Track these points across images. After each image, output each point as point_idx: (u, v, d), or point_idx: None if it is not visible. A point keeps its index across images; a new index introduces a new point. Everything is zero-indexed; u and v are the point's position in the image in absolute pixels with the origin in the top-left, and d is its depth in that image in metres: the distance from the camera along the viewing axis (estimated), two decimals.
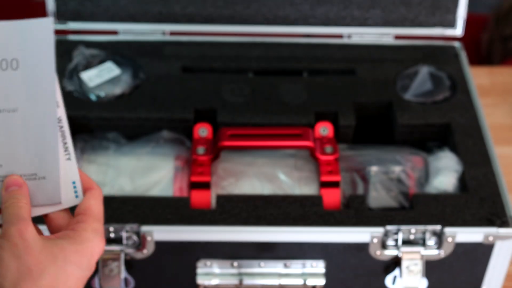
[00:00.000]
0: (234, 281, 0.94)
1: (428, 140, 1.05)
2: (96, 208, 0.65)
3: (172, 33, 1.15)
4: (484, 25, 1.78)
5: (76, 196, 0.65)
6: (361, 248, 0.92)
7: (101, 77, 1.07)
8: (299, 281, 0.94)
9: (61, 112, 0.63)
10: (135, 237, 0.90)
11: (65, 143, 0.64)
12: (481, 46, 1.76)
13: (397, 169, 0.98)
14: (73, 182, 0.65)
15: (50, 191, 0.64)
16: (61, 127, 0.63)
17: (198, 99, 1.05)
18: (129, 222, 0.90)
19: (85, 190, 0.66)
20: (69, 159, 0.64)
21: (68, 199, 0.65)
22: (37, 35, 0.61)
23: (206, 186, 0.95)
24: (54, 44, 0.62)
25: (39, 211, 0.65)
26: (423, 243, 0.92)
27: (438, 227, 0.90)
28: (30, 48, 0.61)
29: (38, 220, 0.65)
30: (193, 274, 0.94)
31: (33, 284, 0.60)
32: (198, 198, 0.95)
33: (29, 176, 0.64)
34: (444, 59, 1.12)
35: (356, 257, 0.93)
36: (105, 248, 0.90)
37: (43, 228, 0.67)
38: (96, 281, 0.92)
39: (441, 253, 0.92)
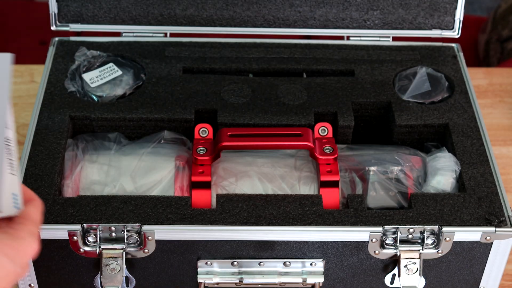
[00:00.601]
0: (234, 279, 0.94)
1: (426, 140, 1.06)
2: (35, 215, 0.73)
3: (173, 35, 1.15)
4: (482, 27, 1.79)
5: (16, 207, 0.71)
6: (360, 247, 0.93)
7: (102, 78, 1.08)
8: (299, 280, 0.94)
9: (11, 133, 0.70)
10: (136, 237, 0.91)
11: (10, 160, 0.70)
12: (479, 47, 1.77)
13: (395, 169, 0.99)
14: (14, 194, 0.71)
15: None
16: (8, 145, 0.70)
17: (199, 99, 1.06)
18: (130, 222, 0.90)
19: (27, 201, 0.73)
20: (12, 174, 0.70)
21: (8, 208, 0.70)
22: None
23: (206, 186, 0.96)
24: (10, 76, 0.69)
25: None
26: (421, 242, 0.92)
27: (436, 227, 0.91)
28: None
29: None
30: (193, 273, 0.95)
31: None
32: (198, 197, 0.95)
33: None
34: (442, 60, 1.13)
35: (355, 256, 0.94)
36: (107, 247, 0.91)
37: None
38: (97, 280, 0.93)
39: (439, 252, 0.93)
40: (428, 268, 0.95)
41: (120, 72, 1.09)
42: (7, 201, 0.70)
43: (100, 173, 0.98)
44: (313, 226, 0.91)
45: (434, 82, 1.10)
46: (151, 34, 1.15)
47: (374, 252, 0.93)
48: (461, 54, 1.14)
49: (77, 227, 0.90)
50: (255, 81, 1.09)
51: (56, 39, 1.14)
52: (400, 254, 0.92)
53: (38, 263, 0.93)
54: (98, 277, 0.92)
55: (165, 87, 1.07)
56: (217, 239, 0.92)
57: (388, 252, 0.93)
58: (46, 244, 0.91)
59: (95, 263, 0.93)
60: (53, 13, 1.13)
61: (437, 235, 0.92)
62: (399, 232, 0.91)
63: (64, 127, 1.01)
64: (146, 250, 0.92)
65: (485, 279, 0.97)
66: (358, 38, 1.16)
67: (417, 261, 0.93)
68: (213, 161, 0.98)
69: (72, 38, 1.14)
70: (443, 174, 0.98)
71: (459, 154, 1.00)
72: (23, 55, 1.67)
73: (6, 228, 0.70)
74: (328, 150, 0.98)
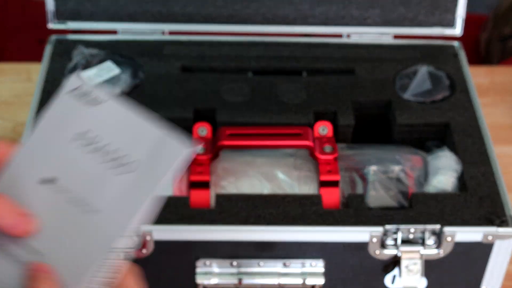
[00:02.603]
0: (234, 280, 0.94)
1: (427, 139, 1.05)
2: None
3: (172, 33, 1.15)
4: (483, 25, 1.78)
5: None
6: (360, 247, 0.92)
7: (100, 76, 1.07)
8: (299, 281, 0.94)
9: (126, 243, 0.58)
10: (134, 237, 0.90)
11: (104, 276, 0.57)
12: (480, 46, 1.76)
13: (396, 168, 0.99)
14: None
15: None
16: (113, 259, 0.57)
17: (198, 98, 1.05)
18: None
19: None
20: None
21: None
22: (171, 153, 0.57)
23: (205, 185, 0.95)
24: (175, 171, 0.57)
25: None
26: (422, 242, 0.92)
27: (437, 227, 0.90)
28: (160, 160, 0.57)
29: None
30: (192, 274, 0.94)
31: None
32: (197, 197, 0.95)
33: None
34: (443, 59, 1.13)
35: (355, 256, 0.93)
36: None
37: None
38: None
39: (440, 253, 0.92)
40: (429, 268, 0.94)
41: (118, 71, 1.08)
42: None
43: None
44: (313, 226, 0.90)
45: (435, 80, 1.09)
46: (149, 32, 1.14)
47: (375, 252, 0.92)
48: (462, 52, 1.14)
49: None
50: (254, 80, 1.08)
51: (53, 37, 1.13)
52: (401, 255, 0.92)
53: None
54: None
55: (164, 85, 1.07)
56: (216, 239, 0.91)
57: (389, 252, 0.92)
58: None
59: None
60: (50, 11, 1.12)
61: (438, 235, 0.91)
62: (400, 232, 0.90)
63: None
64: (144, 251, 0.91)
65: (487, 280, 0.96)
66: (359, 36, 1.15)
67: (418, 261, 0.92)
68: (212, 160, 0.97)
69: (70, 36, 1.13)
70: (444, 173, 0.97)
71: (460, 153, 0.99)
72: (21, 54, 1.66)
73: None
74: (328, 150, 0.97)
